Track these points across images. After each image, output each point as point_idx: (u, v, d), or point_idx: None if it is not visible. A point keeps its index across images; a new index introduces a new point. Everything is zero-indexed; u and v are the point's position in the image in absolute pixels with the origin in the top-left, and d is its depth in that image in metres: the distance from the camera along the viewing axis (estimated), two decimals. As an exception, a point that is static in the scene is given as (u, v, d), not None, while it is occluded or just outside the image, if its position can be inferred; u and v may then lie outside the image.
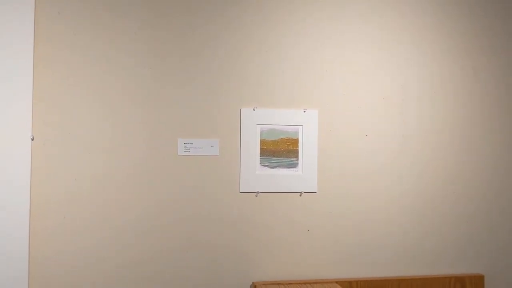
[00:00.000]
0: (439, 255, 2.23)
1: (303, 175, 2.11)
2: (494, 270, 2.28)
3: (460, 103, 2.25)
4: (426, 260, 2.21)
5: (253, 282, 2.06)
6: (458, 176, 2.25)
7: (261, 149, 2.08)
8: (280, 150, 2.10)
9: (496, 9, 2.30)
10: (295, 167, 2.11)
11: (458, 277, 2.21)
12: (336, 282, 2.08)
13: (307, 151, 2.11)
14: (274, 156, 2.10)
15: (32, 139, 1.89)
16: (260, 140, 2.08)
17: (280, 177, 2.09)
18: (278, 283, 2.04)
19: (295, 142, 2.11)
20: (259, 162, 2.08)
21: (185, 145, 2.02)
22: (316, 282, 2.07)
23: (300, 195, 2.11)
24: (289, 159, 2.11)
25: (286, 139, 2.11)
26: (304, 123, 2.11)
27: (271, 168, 2.09)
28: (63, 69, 1.93)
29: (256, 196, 2.08)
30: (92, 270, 1.94)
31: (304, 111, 2.11)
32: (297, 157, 2.11)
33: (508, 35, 2.31)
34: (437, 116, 2.22)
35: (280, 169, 2.10)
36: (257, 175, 2.08)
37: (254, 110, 2.07)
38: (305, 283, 2.05)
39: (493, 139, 2.28)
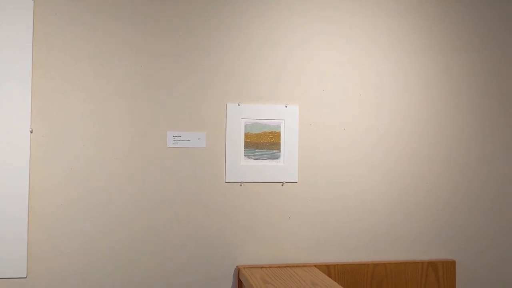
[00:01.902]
0: (412, 241, 2.36)
1: (284, 166, 2.25)
2: (465, 255, 2.41)
3: (433, 99, 2.39)
4: (400, 246, 2.35)
5: (237, 266, 2.20)
6: (431, 167, 2.38)
7: (245, 141, 2.22)
8: (263, 142, 2.24)
9: (468, 9, 2.42)
10: (277, 158, 2.25)
11: (431, 262, 2.35)
12: (315, 266, 2.22)
13: (289, 143, 2.25)
14: (257, 148, 2.23)
15: (31, 132, 2.03)
16: (245, 133, 2.22)
17: (263, 168, 2.23)
18: (261, 267, 2.18)
19: (277, 135, 2.25)
20: (243, 154, 2.22)
21: (173, 137, 2.16)
22: (296, 266, 2.21)
23: (282, 185, 2.25)
24: (271, 151, 2.25)
25: (269, 132, 2.25)
26: (286, 117, 2.25)
27: (254, 159, 2.23)
28: (60, 67, 2.06)
29: (241, 185, 2.22)
30: (86, 253, 2.08)
31: (286, 107, 2.25)
32: (279, 149, 2.25)
33: (480, 34, 2.43)
34: (410, 111, 2.36)
35: (263, 160, 2.24)
36: (242, 166, 2.22)
37: (239, 105, 2.21)
38: (285, 267, 2.20)
39: (464, 133, 2.42)
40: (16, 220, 1.99)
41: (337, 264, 2.25)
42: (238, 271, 2.17)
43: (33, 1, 2.01)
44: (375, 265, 2.28)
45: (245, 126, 2.22)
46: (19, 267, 1.99)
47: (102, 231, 2.10)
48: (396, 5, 2.35)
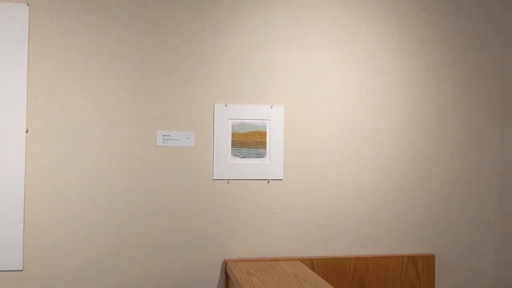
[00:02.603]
0: (393, 236, 2.45)
1: (270, 164, 2.34)
2: (443, 250, 2.50)
3: (417, 99, 2.47)
4: (382, 241, 2.44)
5: (224, 260, 2.29)
6: (414, 165, 2.47)
7: (232, 141, 2.32)
8: (249, 141, 2.33)
9: (452, 10, 2.50)
10: (263, 157, 2.34)
11: (411, 257, 2.44)
12: (299, 260, 2.31)
13: (274, 143, 2.34)
14: (244, 147, 2.33)
15: (27, 131, 2.12)
16: (232, 132, 2.31)
17: (250, 166, 2.33)
18: (247, 261, 2.27)
19: (263, 134, 2.34)
20: (230, 153, 2.31)
21: (163, 137, 2.25)
22: (281, 260, 2.30)
23: (268, 182, 2.34)
24: (257, 150, 2.34)
25: (255, 132, 2.34)
26: (271, 117, 2.34)
27: (241, 158, 2.32)
28: (54, 69, 2.15)
29: (228, 183, 2.31)
30: (80, 245, 2.16)
31: (272, 107, 2.34)
32: (265, 148, 2.34)
33: (464, 35, 2.51)
34: (393, 111, 2.44)
35: (250, 158, 2.33)
36: (229, 164, 2.31)
37: (226, 105, 2.30)
38: (271, 261, 2.28)
39: (448, 132, 2.50)
40: (12, 216, 2.07)
41: (321, 258, 2.34)
42: (225, 265, 2.26)
43: (28, 6, 2.10)
44: (357, 259, 2.37)
45: (232, 126, 2.31)
46: (16, 260, 2.08)
47: (94, 225, 2.18)
48: (379, 6, 2.43)
